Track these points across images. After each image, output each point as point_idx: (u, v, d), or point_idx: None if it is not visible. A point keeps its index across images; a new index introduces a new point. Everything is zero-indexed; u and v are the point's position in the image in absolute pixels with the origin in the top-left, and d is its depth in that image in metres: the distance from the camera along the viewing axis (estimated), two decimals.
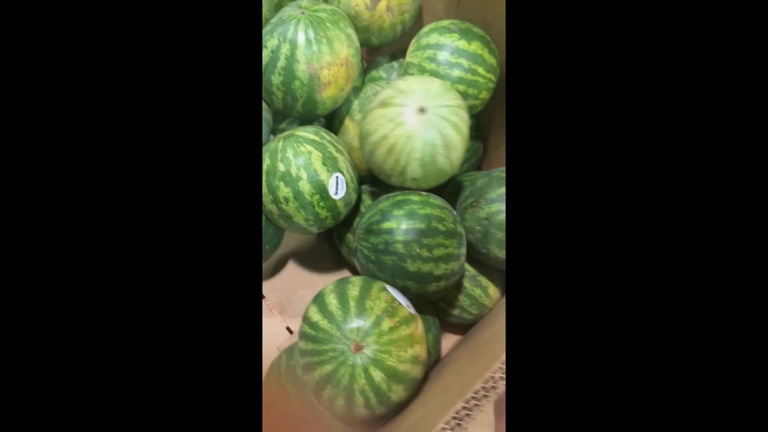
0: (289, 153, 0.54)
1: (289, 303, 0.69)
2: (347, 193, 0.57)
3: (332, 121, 0.66)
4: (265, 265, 0.72)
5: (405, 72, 0.67)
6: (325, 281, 0.71)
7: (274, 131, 0.66)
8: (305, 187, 0.53)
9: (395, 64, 0.73)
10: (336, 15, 0.55)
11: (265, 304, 0.69)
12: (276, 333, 0.67)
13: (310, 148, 0.54)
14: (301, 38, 0.52)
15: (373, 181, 0.67)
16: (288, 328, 0.67)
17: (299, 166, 0.53)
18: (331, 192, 0.55)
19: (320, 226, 0.58)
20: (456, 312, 0.62)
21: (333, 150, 0.56)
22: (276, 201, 0.55)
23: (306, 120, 0.64)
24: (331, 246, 0.72)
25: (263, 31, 0.55)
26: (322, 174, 0.54)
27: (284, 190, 0.54)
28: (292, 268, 0.73)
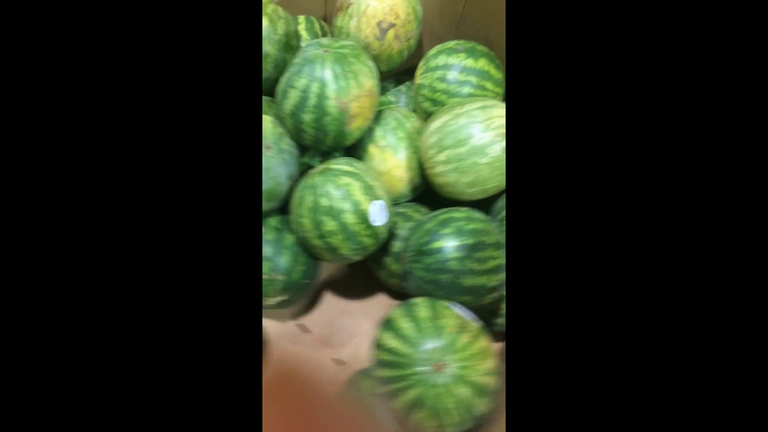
0: (330, 187, 0.55)
1: (332, 335, 0.69)
2: (387, 218, 0.58)
3: (353, 151, 0.67)
4: (304, 301, 0.71)
5: (416, 93, 0.69)
6: (364, 308, 0.72)
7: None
8: (350, 218, 0.54)
9: (402, 87, 0.76)
10: (357, 49, 0.57)
11: (311, 339, 0.69)
12: (325, 366, 0.67)
13: (348, 179, 0.55)
14: (329, 75, 0.54)
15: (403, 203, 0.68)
16: (336, 360, 0.67)
17: (341, 199, 0.54)
18: (374, 220, 0.56)
19: (364, 253, 0.59)
20: (500, 321, 0.63)
21: (369, 178, 0.57)
22: (321, 236, 0.55)
23: (331, 152, 0.65)
24: (362, 272, 0.73)
25: (289, 72, 0.56)
26: (364, 203, 0.55)
27: (329, 224, 0.54)
28: (328, 300, 0.73)
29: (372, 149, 0.65)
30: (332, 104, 0.55)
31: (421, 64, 0.69)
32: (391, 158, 0.64)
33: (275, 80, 0.72)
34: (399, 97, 0.75)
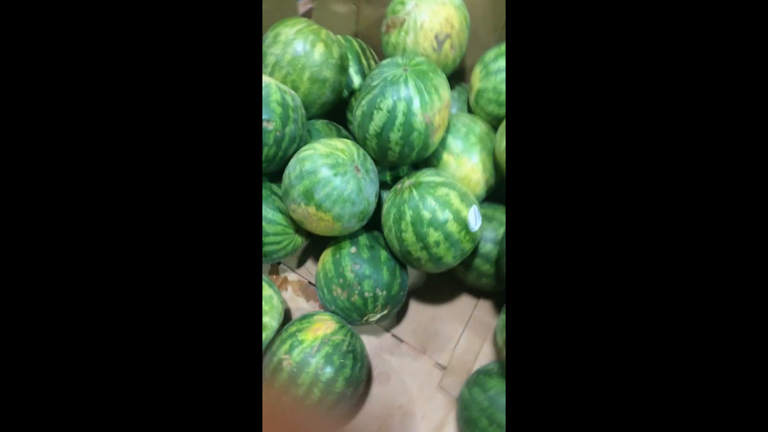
0: (429, 200, 0.56)
1: (428, 341, 0.71)
2: (481, 221, 0.60)
3: (424, 161, 0.69)
4: (394, 312, 0.73)
5: (477, 97, 0.71)
6: (451, 311, 0.74)
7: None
8: (453, 226, 0.56)
9: (454, 93, 0.77)
10: (430, 64, 0.59)
11: (410, 349, 0.70)
12: (429, 372, 0.68)
13: (444, 190, 0.57)
14: (414, 93, 0.56)
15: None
16: (438, 364, 0.69)
17: (442, 209, 0.56)
18: (472, 225, 0.58)
19: (462, 259, 0.60)
20: None
21: (460, 185, 0.59)
22: (426, 247, 0.57)
23: (407, 165, 0.67)
24: (441, 276, 0.74)
25: (370, 95, 0.58)
26: (463, 210, 0.57)
27: (434, 235, 0.56)
28: (415, 307, 0.74)
29: (446, 157, 0.67)
30: (419, 120, 0.56)
31: (478, 68, 0.71)
32: (466, 163, 0.66)
33: (333, 103, 0.73)
34: (453, 103, 0.77)
